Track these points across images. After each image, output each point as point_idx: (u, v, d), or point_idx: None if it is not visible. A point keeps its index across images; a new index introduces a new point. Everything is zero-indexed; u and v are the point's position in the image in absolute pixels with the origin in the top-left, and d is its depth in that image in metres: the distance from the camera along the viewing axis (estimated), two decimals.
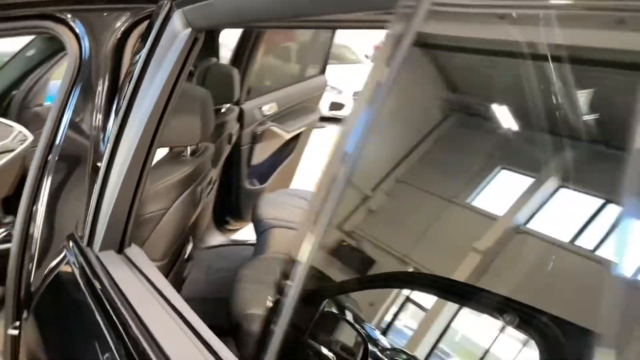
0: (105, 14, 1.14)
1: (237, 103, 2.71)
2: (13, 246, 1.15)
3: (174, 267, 1.76)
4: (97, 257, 1.03)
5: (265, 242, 2.20)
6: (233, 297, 1.69)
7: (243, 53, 2.74)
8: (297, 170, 3.40)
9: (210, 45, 2.57)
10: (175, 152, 1.53)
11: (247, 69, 2.78)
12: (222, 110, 2.31)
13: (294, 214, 2.40)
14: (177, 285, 1.93)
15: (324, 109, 3.95)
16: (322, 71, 3.52)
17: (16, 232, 1.14)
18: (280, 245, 2.16)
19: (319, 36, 3.34)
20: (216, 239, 2.83)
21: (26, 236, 1.14)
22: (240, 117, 2.81)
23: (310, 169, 4.01)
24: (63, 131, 1.13)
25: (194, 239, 2.21)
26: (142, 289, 0.95)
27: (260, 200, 2.56)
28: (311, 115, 3.38)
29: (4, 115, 2.43)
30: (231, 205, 2.89)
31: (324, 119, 4.26)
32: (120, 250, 1.06)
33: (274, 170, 3.17)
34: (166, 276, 1.51)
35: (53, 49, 2.24)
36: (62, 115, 1.14)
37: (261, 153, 3.02)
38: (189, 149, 1.54)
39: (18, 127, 2.05)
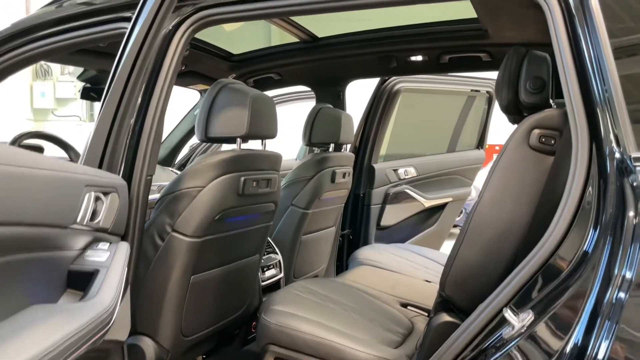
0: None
1: (358, 150, 2.83)
2: None
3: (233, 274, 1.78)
4: None
5: (347, 273, 2.12)
6: (274, 293, 1.70)
7: (375, 113, 2.89)
8: (442, 241, 3.18)
9: (335, 97, 2.79)
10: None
11: (379, 129, 2.90)
12: (330, 149, 2.44)
13: (390, 260, 2.25)
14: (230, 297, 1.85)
15: None
16: (480, 145, 3.37)
17: None
18: (359, 277, 2.04)
19: (473, 107, 3.28)
20: None
21: None
22: (370, 176, 2.88)
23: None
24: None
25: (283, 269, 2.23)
26: None
27: (365, 246, 2.49)
28: (461, 188, 3.21)
29: (180, 166, 3.04)
30: None
31: None
32: None
33: (411, 236, 3.03)
34: (197, 259, 1.60)
35: None
36: None
37: (394, 215, 2.96)
38: (239, 142, 1.69)
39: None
